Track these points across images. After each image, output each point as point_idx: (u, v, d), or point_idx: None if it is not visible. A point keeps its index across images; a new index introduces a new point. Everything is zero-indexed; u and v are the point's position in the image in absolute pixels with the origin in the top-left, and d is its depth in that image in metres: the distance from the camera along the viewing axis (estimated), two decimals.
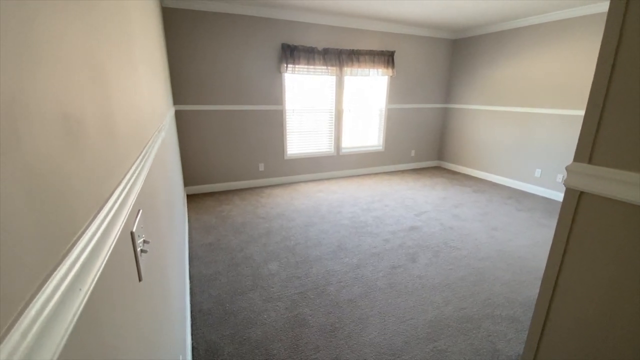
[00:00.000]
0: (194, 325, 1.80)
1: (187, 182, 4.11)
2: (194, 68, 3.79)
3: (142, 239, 0.66)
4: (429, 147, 5.78)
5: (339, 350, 1.64)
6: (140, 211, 0.67)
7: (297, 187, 4.47)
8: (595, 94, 0.72)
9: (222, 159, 4.22)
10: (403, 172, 5.46)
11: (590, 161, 0.74)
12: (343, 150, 5.00)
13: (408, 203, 3.87)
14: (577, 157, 0.77)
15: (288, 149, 4.61)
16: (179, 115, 3.86)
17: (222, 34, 3.82)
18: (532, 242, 2.90)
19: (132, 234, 0.58)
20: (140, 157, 0.75)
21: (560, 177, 4.05)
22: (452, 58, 5.42)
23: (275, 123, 4.40)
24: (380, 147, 5.32)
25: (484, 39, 4.84)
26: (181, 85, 3.79)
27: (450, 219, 3.37)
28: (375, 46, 4.73)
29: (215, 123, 4.07)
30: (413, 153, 5.65)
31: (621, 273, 0.74)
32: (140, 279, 0.61)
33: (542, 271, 2.43)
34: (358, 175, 5.16)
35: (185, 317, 1.68)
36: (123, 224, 0.52)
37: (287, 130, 4.52)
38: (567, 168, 0.80)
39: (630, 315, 0.73)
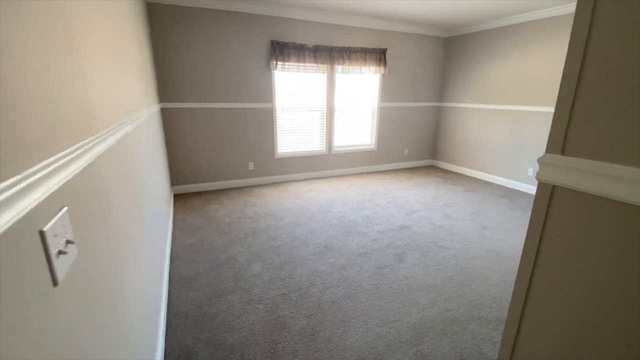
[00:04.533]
0: (169, 330, 1.73)
1: (174, 181, 4.03)
2: (181, 65, 3.72)
3: (64, 239, 0.59)
4: (422, 146, 5.73)
5: (318, 354, 1.57)
6: (65, 208, 0.60)
7: (287, 187, 4.40)
8: (567, 79, 0.66)
9: (211, 157, 4.15)
10: (396, 171, 5.40)
11: (563, 152, 0.68)
12: (335, 149, 4.94)
13: (399, 202, 3.81)
14: (550, 148, 0.70)
15: (278, 148, 4.54)
16: (165, 113, 3.78)
17: (209, 30, 3.74)
18: (523, 241, 2.85)
19: (42, 233, 0.51)
20: (75, 147, 0.69)
21: None
22: (445, 56, 5.38)
23: (265, 121, 4.33)
24: (373, 146, 5.26)
25: (477, 37, 4.79)
26: (168, 82, 3.71)
27: (441, 218, 3.32)
28: (367, 43, 4.67)
29: (203, 121, 3.99)
30: (406, 152, 5.59)
31: (598, 271, 0.68)
32: (55, 284, 0.54)
33: None
34: (350, 175, 5.10)
35: (158, 321, 1.61)
36: (23, 218, 0.46)
37: (278, 129, 4.45)
38: (539, 160, 0.74)
39: (609, 314, 0.67)
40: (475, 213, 3.49)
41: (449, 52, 5.29)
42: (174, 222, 3.16)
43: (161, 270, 2.00)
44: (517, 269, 2.36)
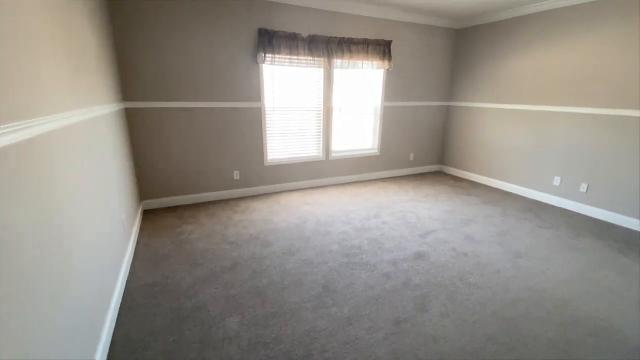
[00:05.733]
0: None
1: (144, 194, 3.40)
2: (151, 58, 3.10)
3: None
4: (429, 151, 5.18)
5: None
6: None
7: (279, 199, 3.80)
8: None
9: (189, 166, 3.53)
10: (401, 178, 4.84)
11: None
12: (333, 155, 4.36)
13: (410, 219, 3.24)
14: None
15: (269, 154, 3.94)
16: (131, 114, 3.16)
17: (185, 16, 3.13)
18: (568, 274, 2.30)
19: None
20: None
21: (585, 186, 3.47)
22: (456, 50, 4.82)
23: (253, 123, 3.73)
24: (376, 151, 4.69)
25: (492, 28, 4.24)
26: (134, 77, 3.08)
27: (463, 242, 2.75)
28: (370, 34, 4.09)
29: (179, 123, 3.38)
30: (412, 157, 5.03)
31: None
32: None
33: (595, 321, 1.83)
34: (350, 183, 4.52)
35: None
36: None
37: (268, 132, 3.85)
38: None
39: None
40: (502, 234, 2.93)
41: (460, 46, 4.74)
42: (136, 250, 2.55)
43: (95, 339, 1.40)
44: (572, 319, 1.81)
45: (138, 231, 2.86)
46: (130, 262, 2.34)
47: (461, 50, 4.74)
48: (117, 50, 2.95)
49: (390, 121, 4.64)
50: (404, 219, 3.24)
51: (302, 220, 3.16)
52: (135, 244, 2.64)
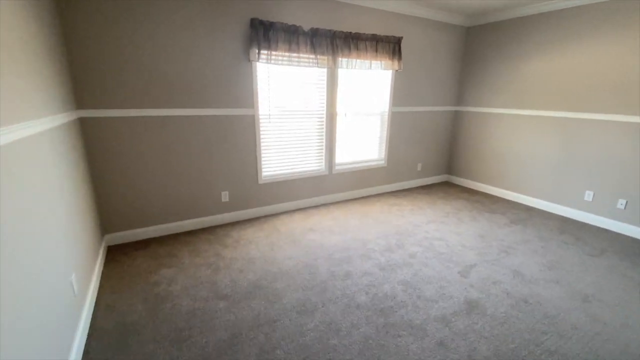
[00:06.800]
0: None
1: (108, 227, 2.67)
2: (116, 54, 2.38)
3: None
4: (437, 160, 4.72)
5: None
6: None
7: (277, 224, 3.17)
8: None
9: (165, 188, 2.84)
10: (410, 191, 4.34)
11: None
12: (337, 168, 3.78)
13: (440, 248, 2.72)
14: None
15: (263, 170, 3.31)
16: (89, 125, 2.43)
17: (159, 5, 2.45)
18: None
19: None
20: None
21: (623, 202, 3.10)
22: (467, 49, 4.38)
23: (244, 134, 3.08)
24: (382, 162, 4.16)
25: (509, 25, 3.82)
26: (93, 79, 2.36)
27: (514, 281, 2.26)
28: (379, 29, 3.55)
29: (152, 135, 2.68)
30: (419, 167, 4.55)
31: None
32: None
33: None
34: (356, 200, 3.96)
35: None
36: None
37: (262, 143, 3.22)
38: None
39: None
40: (551, 266, 2.47)
41: (471, 45, 4.30)
42: (94, 317, 1.85)
43: None
44: None
45: (98, 284, 2.14)
46: (84, 343, 1.64)
47: (472, 50, 4.30)
48: (68, 45, 2.22)
49: (398, 128, 4.13)
50: (432, 248, 2.72)
51: (310, 256, 2.56)
52: (94, 306, 1.93)
